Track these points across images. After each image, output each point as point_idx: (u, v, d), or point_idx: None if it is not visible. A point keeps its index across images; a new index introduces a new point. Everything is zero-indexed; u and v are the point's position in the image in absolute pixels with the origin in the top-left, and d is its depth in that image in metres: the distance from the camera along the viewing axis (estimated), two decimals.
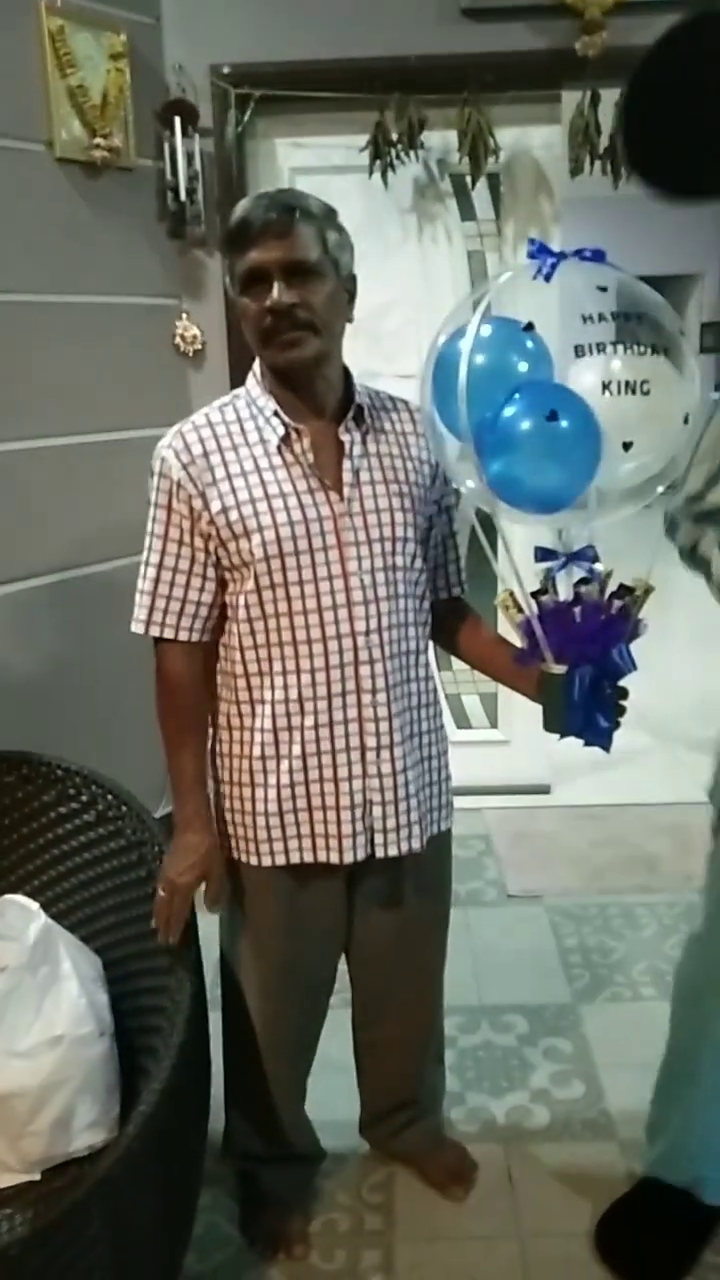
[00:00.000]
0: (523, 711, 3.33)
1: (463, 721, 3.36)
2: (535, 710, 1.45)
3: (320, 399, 1.43)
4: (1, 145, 2.32)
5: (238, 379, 2.87)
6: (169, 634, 1.45)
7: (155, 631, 1.45)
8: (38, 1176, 1.42)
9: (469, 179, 2.78)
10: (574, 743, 1.43)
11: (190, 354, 2.86)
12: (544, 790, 3.34)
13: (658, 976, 2.36)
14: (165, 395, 2.79)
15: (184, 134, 2.64)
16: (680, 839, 2.96)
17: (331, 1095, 1.81)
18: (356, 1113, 1.85)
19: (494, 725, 3.38)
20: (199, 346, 2.85)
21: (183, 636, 1.45)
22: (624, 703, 1.42)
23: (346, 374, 1.47)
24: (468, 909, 2.66)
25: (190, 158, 2.67)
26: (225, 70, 2.68)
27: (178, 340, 2.84)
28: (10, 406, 2.42)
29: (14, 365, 2.41)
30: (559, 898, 2.74)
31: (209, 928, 1.58)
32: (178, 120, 2.63)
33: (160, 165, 2.68)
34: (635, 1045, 2.12)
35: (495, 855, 2.97)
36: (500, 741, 3.35)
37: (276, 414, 1.41)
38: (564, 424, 1.30)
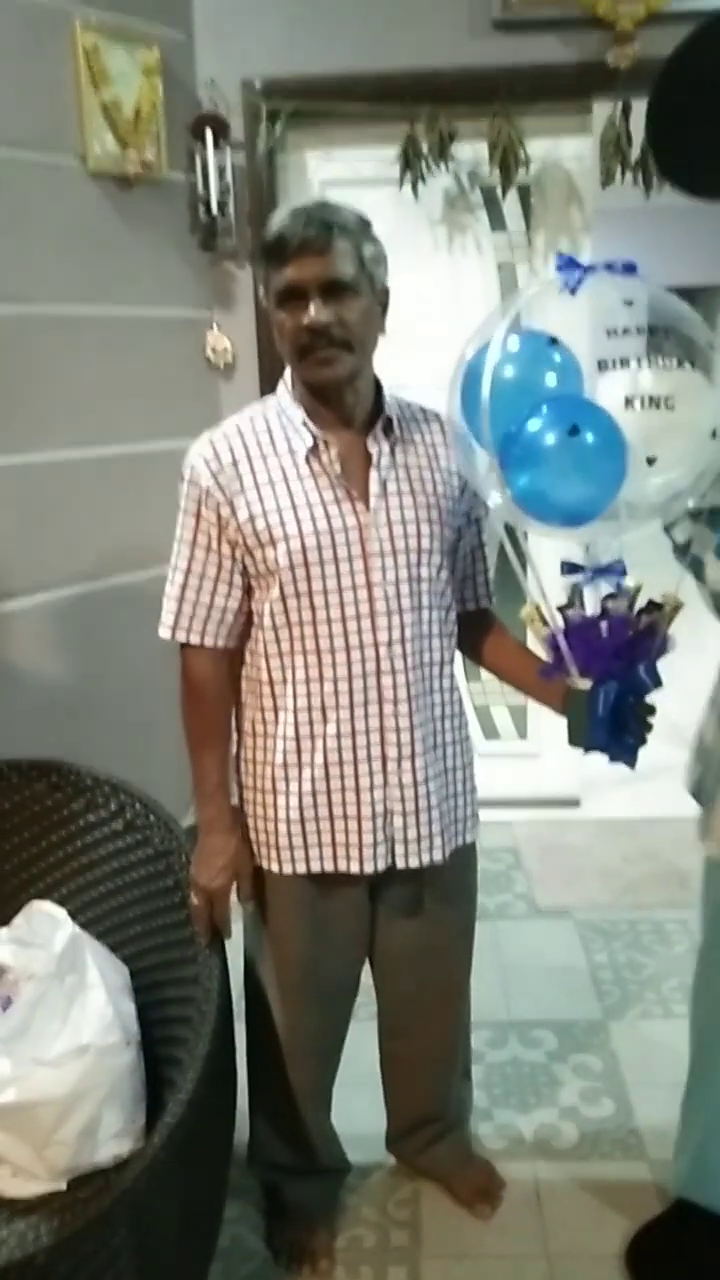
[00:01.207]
0: (552, 724, 3.29)
1: (491, 733, 3.34)
2: (564, 723, 1.43)
3: (350, 411, 1.43)
4: (36, 159, 2.36)
5: (268, 391, 2.86)
6: (195, 639, 1.45)
7: (181, 637, 1.46)
8: (63, 1186, 1.42)
9: (499, 190, 2.78)
10: (603, 756, 1.42)
11: (221, 366, 2.88)
12: (574, 803, 3.31)
13: (689, 994, 2.32)
14: (196, 407, 2.81)
15: (215, 147, 2.67)
16: None
17: (358, 1109, 1.81)
18: (383, 1127, 1.84)
19: (523, 737, 3.36)
20: (229, 359, 2.87)
21: (208, 642, 1.45)
22: (651, 719, 1.40)
23: (377, 385, 1.47)
24: (496, 923, 2.64)
25: (222, 171, 2.69)
26: (256, 84, 2.70)
27: (209, 352, 2.86)
28: (43, 417, 2.45)
29: (47, 376, 2.44)
30: (589, 912, 2.71)
31: (233, 938, 1.58)
32: (209, 134, 2.66)
33: (192, 179, 2.70)
34: (665, 1063, 2.09)
35: (524, 869, 2.95)
36: (529, 754, 3.33)
37: (305, 424, 1.41)
38: (588, 438, 1.29)
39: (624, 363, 1.29)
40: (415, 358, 2.07)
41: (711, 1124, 1.57)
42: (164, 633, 1.48)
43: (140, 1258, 1.29)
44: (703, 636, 1.47)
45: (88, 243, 2.50)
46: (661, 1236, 1.65)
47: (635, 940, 2.57)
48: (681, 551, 1.47)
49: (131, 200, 2.58)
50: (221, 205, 2.70)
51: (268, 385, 2.84)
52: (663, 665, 1.42)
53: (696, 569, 1.43)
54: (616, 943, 2.56)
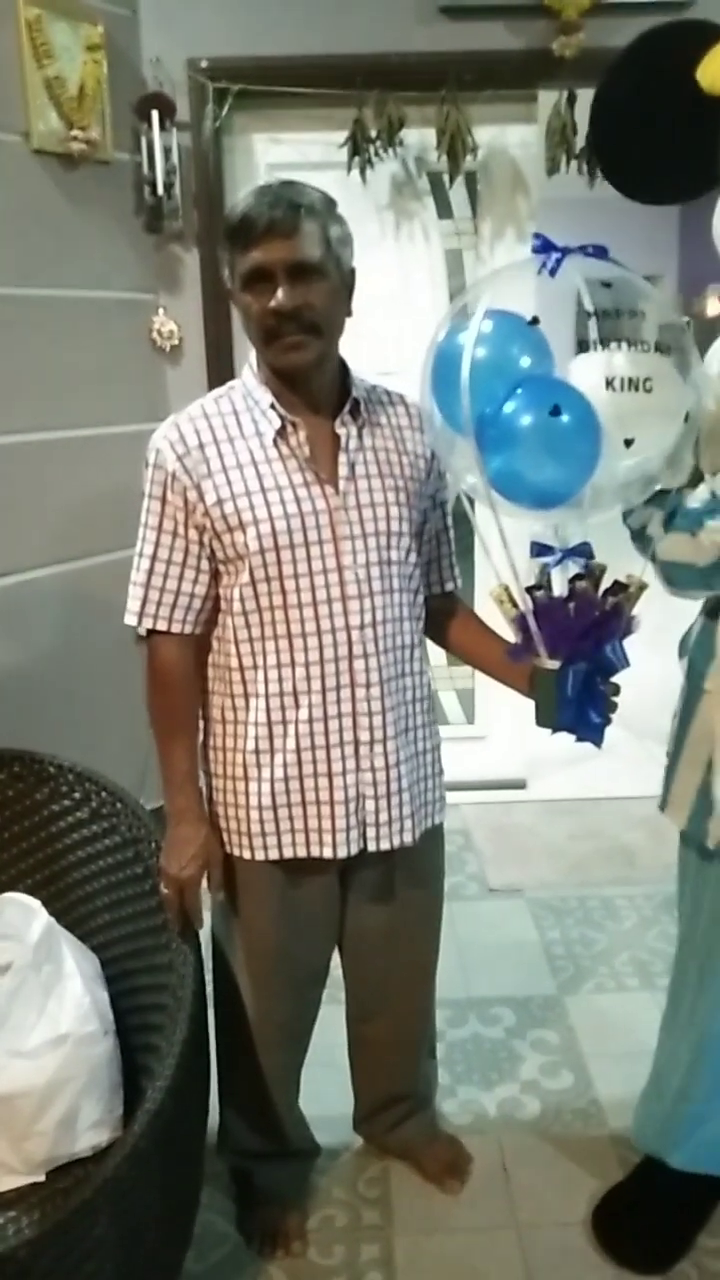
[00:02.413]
0: (499, 708, 3.36)
1: (440, 718, 3.37)
2: (511, 706, 1.46)
3: (318, 395, 1.42)
4: None
5: (215, 376, 2.86)
6: (162, 626, 1.44)
7: (149, 624, 1.44)
8: (42, 1178, 1.40)
9: (447, 177, 2.79)
10: (548, 739, 1.44)
11: (167, 349, 2.84)
12: (520, 785, 3.37)
13: (640, 967, 2.39)
14: (141, 392, 2.77)
15: (161, 128, 2.62)
16: (656, 830, 2.98)
17: (325, 1091, 1.81)
18: (350, 1108, 1.85)
19: (471, 721, 3.40)
20: (176, 342, 2.84)
21: (175, 629, 1.44)
22: (616, 699, 1.43)
23: (344, 367, 1.47)
24: (450, 903, 2.60)
25: (167, 152, 2.65)
26: (203, 64, 2.66)
27: (154, 335, 2.82)
28: None
29: None
30: (539, 891, 2.76)
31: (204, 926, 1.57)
32: (155, 114, 2.62)
33: (137, 159, 2.66)
34: (621, 1035, 2.15)
35: (475, 850, 2.99)
36: (477, 737, 3.37)
37: (273, 407, 1.41)
38: (566, 419, 1.31)
39: (604, 344, 1.30)
40: (361, 344, 2.08)
41: (685, 1085, 1.61)
42: (130, 620, 1.45)
43: (122, 1247, 1.28)
44: (645, 626, 1.50)
45: (30, 222, 2.44)
46: (626, 1200, 1.70)
47: (586, 916, 2.63)
48: (637, 536, 1.50)
49: (75, 180, 2.52)
50: (168, 186, 2.67)
51: (215, 369, 2.82)
52: None
53: (649, 550, 1.47)
54: (568, 919, 2.62)
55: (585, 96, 2.62)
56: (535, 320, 1.34)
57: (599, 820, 3.14)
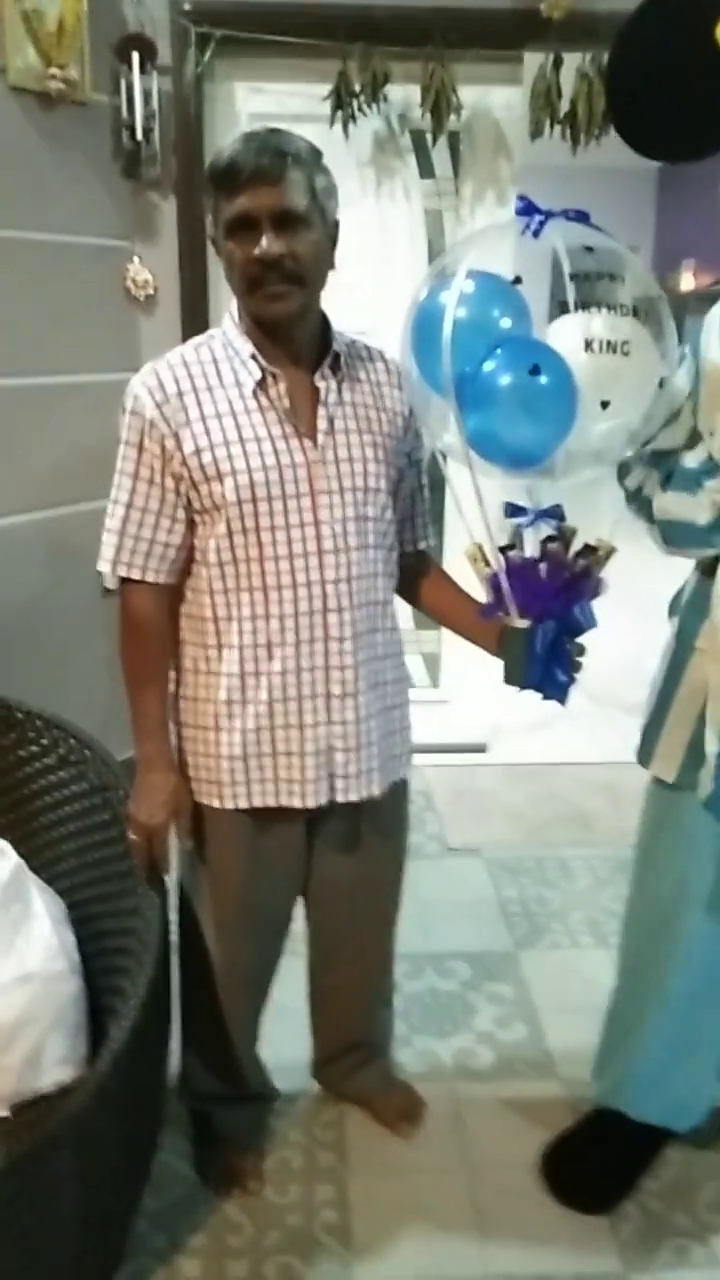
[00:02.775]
0: (463, 672, 3.40)
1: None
2: (475, 671, 1.48)
3: (298, 345, 1.43)
4: None
5: (190, 327, 2.83)
6: (136, 574, 1.44)
7: (122, 571, 1.44)
8: (7, 1113, 1.42)
9: (429, 136, 2.76)
10: (511, 703, 1.47)
11: (142, 299, 2.80)
12: (481, 749, 3.41)
13: (593, 925, 2.45)
14: (114, 341, 2.74)
15: (142, 70, 2.57)
16: (614, 796, 3.06)
17: (283, 1039, 1.85)
18: (308, 1056, 1.89)
19: (435, 685, 3.43)
20: (150, 292, 2.80)
21: (150, 578, 1.44)
22: (581, 659, 1.46)
23: (325, 321, 1.47)
24: (410, 861, 2.69)
25: (147, 96, 2.60)
26: (186, 6, 2.60)
27: (129, 284, 2.78)
28: None
29: None
30: (497, 851, 2.81)
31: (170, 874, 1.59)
32: (136, 56, 2.56)
33: (116, 102, 2.60)
34: (574, 989, 2.21)
35: (435, 810, 3.03)
36: (440, 701, 3.41)
37: (254, 357, 1.40)
38: (544, 380, 1.33)
39: (585, 306, 1.32)
40: (338, 300, 2.07)
41: (646, 1041, 1.66)
42: (104, 567, 1.45)
43: (84, 1181, 1.31)
44: (611, 594, 1.52)
45: (4, 162, 2.39)
46: (574, 1145, 1.76)
47: (542, 876, 2.69)
48: (633, 497, 1.53)
49: (53, 120, 2.47)
50: (146, 132, 2.62)
51: (190, 321, 2.79)
52: None
53: (645, 510, 1.49)
54: (524, 878, 2.67)
55: (571, 61, 2.65)
56: (518, 280, 1.35)
57: (558, 784, 3.20)
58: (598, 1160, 1.72)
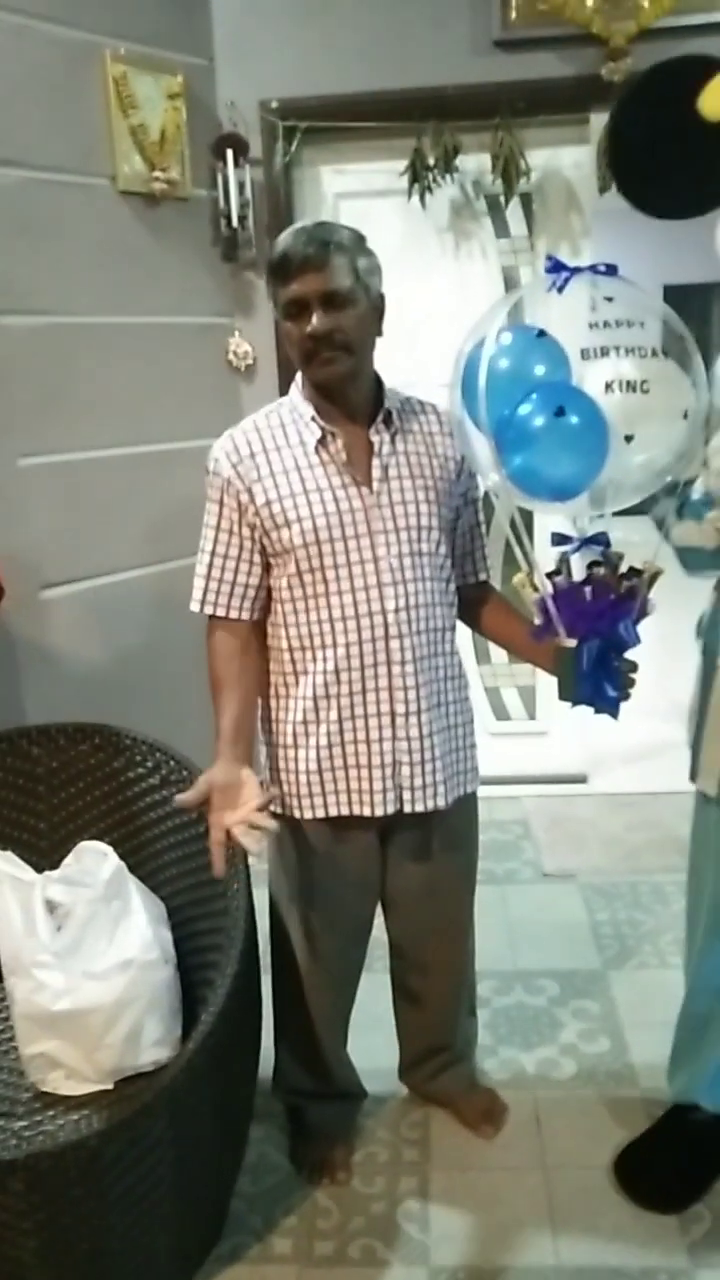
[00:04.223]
0: (560, 703, 3.47)
1: (502, 714, 3.50)
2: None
3: (353, 406, 1.61)
4: (71, 180, 2.56)
5: (285, 391, 3.05)
6: (220, 612, 1.64)
7: (209, 610, 1.64)
8: (110, 1086, 1.61)
9: (503, 198, 2.95)
10: (610, 733, 1.57)
11: (242, 369, 3.06)
12: (581, 780, 3.47)
13: (684, 946, 2.48)
14: (219, 407, 3.00)
15: (235, 165, 2.85)
16: None
17: (374, 1047, 1.99)
18: (396, 1061, 2.01)
19: (532, 717, 3.52)
20: (250, 362, 3.06)
21: (232, 615, 1.64)
22: (633, 675, 1.57)
23: (378, 382, 1.65)
24: (505, 886, 2.81)
25: (241, 187, 2.87)
26: (273, 105, 2.88)
27: (231, 356, 3.05)
28: (78, 418, 2.65)
29: (81, 381, 2.64)
30: (592, 876, 2.87)
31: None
32: (230, 152, 2.84)
33: (214, 194, 2.89)
34: (660, 1007, 2.23)
35: (532, 838, 3.11)
36: (538, 733, 3.49)
37: (314, 418, 1.60)
38: (573, 419, 1.46)
39: (604, 352, 1.45)
40: (425, 359, 2.24)
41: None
42: (194, 607, 1.66)
43: (178, 1148, 1.48)
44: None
45: (118, 256, 2.70)
46: (648, 1146, 1.82)
47: (635, 900, 2.74)
48: (659, 527, 1.64)
49: (158, 216, 2.77)
50: (242, 219, 2.89)
51: (286, 385, 2.97)
52: (665, 649, 1.57)
53: (669, 538, 1.60)
54: (617, 902, 2.73)
55: None
56: (542, 333, 1.50)
57: (656, 813, 3.23)
58: (670, 1161, 1.78)
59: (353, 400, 1.60)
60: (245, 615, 1.65)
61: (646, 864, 2.93)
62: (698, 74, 1.56)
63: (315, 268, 1.49)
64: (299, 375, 1.64)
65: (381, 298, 1.60)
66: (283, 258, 1.51)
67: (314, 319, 1.50)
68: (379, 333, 1.61)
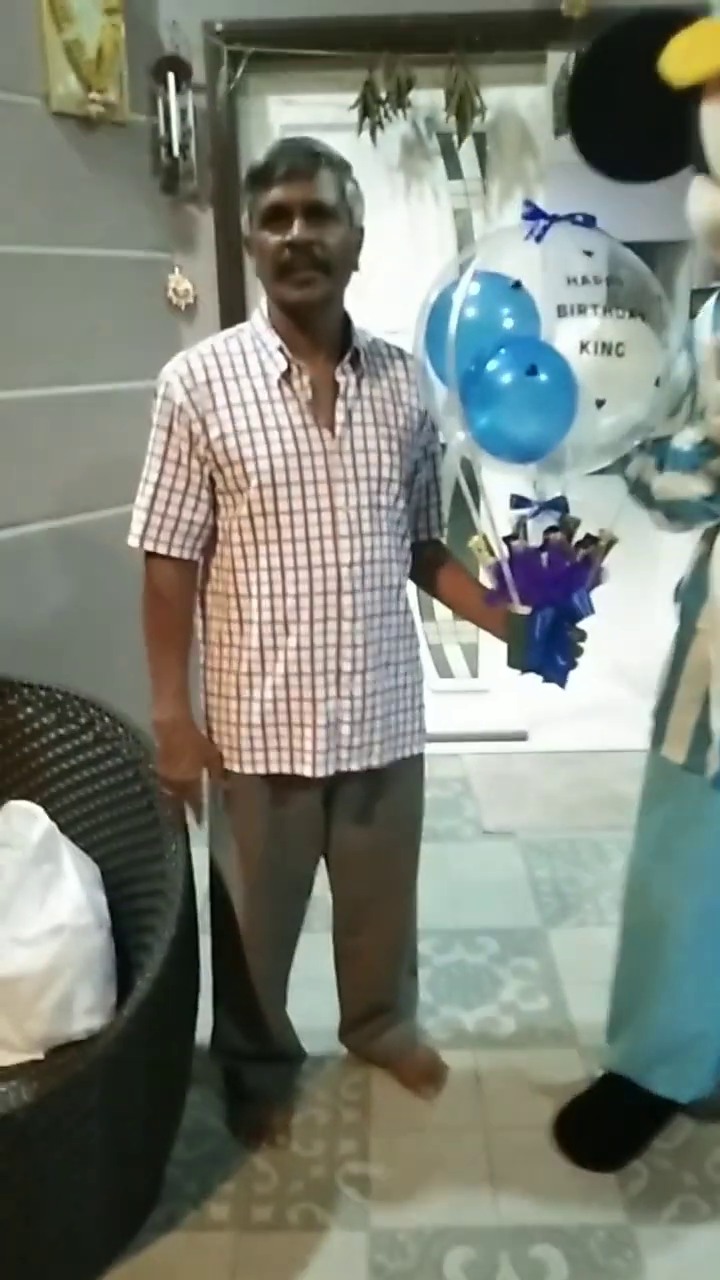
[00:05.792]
0: (502, 661, 3.46)
1: (445, 671, 3.48)
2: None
3: (322, 338, 1.52)
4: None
5: None
6: (161, 549, 1.54)
7: (149, 546, 1.55)
8: (41, 1055, 1.54)
9: (456, 138, 2.85)
10: (551, 693, 1.53)
11: (182, 308, 2.93)
12: (521, 737, 3.47)
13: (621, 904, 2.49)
14: (157, 348, 2.82)
15: (178, 90, 2.70)
16: None
17: (313, 1007, 1.95)
18: (336, 1023, 1.98)
19: (475, 675, 3.50)
20: (190, 300, 2.93)
21: (174, 553, 1.55)
22: (582, 644, 1.52)
23: (347, 319, 1.56)
24: (445, 844, 2.80)
25: (183, 114, 2.72)
26: (218, 27, 2.73)
27: (170, 294, 2.91)
28: (5, 356, 2.50)
29: (8, 315, 2.48)
30: (532, 834, 2.87)
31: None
32: (171, 76, 2.69)
33: (154, 121, 2.73)
34: (599, 965, 2.21)
35: (472, 796, 3.10)
36: (480, 690, 3.48)
37: (280, 349, 1.50)
38: (543, 378, 1.39)
39: (581, 309, 1.38)
40: (371, 301, 2.16)
41: (650, 1003, 1.72)
42: (133, 542, 1.56)
43: (111, 1118, 1.43)
44: (652, 582, 1.59)
45: (50, 183, 2.53)
46: (586, 1107, 1.82)
47: (574, 857, 2.74)
48: (634, 486, 1.59)
49: (94, 141, 2.61)
50: (183, 148, 2.74)
51: (228, 326, 2.87)
52: (611, 610, 1.53)
53: (645, 495, 1.55)
54: (557, 860, 2.73)
55: None
56: (518, 284, 1.42)
57: (596, 771, 3.24)
58: (608, 1122, 1.79)
59: (322, 331, 1.52)
60: (189, 554, 1.56)
61: (586, 821, 2.94)
62: (661, 32, 1.48)
63: (302, 176, 1.41)
64: (262, 302, 1.55)
65: (362, 230, 1.52)
66: (267, 164, 1.43)
67: (295, 227, 1.42)
68: (355, 266, 1.53)
